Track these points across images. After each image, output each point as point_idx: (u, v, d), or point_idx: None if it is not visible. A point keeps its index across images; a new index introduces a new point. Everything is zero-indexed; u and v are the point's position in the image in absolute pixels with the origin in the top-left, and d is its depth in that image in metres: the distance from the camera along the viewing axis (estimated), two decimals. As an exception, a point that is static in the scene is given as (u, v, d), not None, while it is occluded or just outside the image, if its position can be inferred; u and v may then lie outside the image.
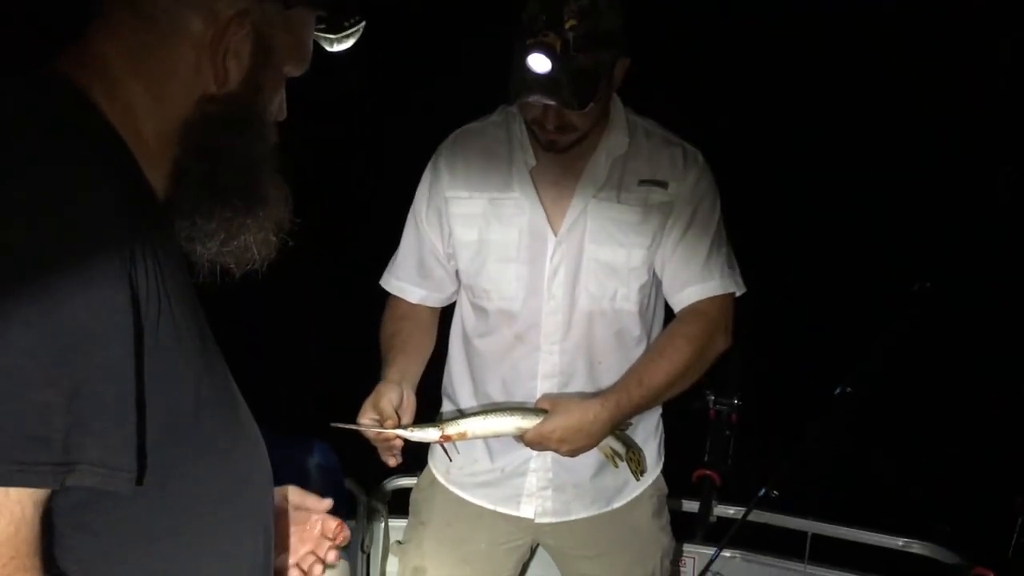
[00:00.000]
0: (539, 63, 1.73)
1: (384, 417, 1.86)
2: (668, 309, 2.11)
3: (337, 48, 1.16)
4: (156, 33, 1.01)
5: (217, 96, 1.04)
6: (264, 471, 1.21)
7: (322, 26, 1.14)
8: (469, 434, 1.90)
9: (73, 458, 0.87)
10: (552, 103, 1.79)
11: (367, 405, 1.89)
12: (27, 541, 0.87)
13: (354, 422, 1.86)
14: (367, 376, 2.11)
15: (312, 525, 1.40)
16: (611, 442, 1.99)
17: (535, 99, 1.80)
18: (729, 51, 7.21)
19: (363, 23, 1.16)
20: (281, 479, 1.43)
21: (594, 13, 1.78)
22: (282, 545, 1.39)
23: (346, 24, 1.14)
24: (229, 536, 1.11)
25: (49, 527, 0.92)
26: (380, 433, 1.85)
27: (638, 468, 2.04)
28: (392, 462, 1.95)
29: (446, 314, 2.22)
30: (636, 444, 2.06)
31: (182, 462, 1.02)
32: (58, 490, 0.89)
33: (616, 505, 2.16)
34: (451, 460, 2.04)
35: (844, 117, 7.32)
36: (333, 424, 1.84)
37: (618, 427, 1.97)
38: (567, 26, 1.75)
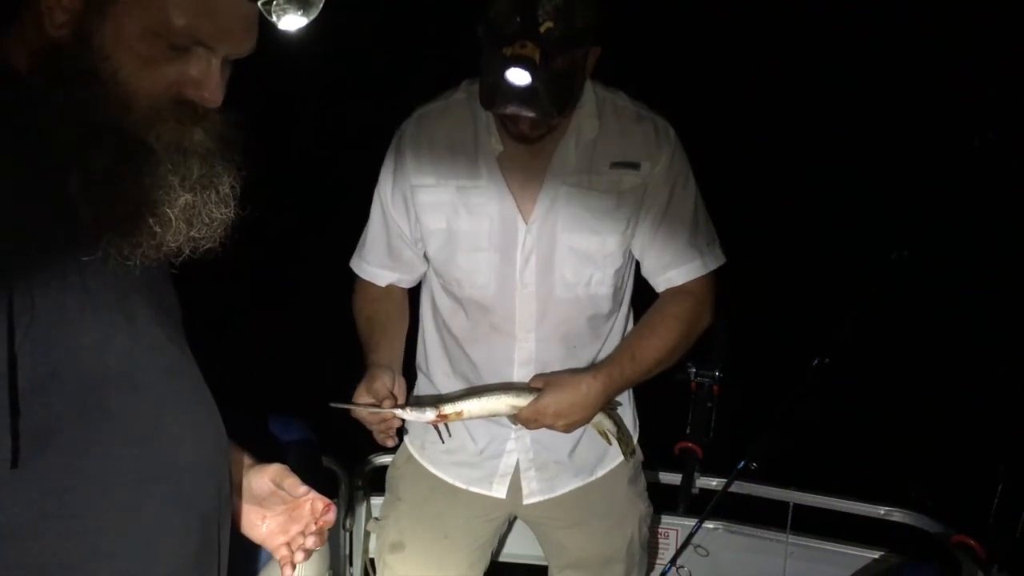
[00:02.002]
0: (519, 77, 1.66)
1: (379, 399, 1.87)
2: (638, 277, 2.10)
3: (286, 25, 1.03)
4: None
5: (41, 48, 1.00)
6: (208, 457, 1.20)
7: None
8: (465, 414, 1.91)
9: None
10: (531, 115, 1.74)
11: (361, 389, 1.90)
12: None
13: (349, 403, 1.88)
14: (346, 355, 2.09)
15: (303, 504, 1.40)
16: (603, 420, 2.00)
17: (513, 110, 1.74)
18: (709, 29, 7.19)
19: None
20: (259, 458, 1.42)
21: (569, 11, 1.72)
22: (271, 524, 1.40)
23: None
24: (149, 521, 1.10)
25: None
26: (377, 413, 1.86)
27: (627, 448, 2.07)
28: (389, 443, 1.97)
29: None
30: (625, 426, 2.09)
31: (87, 442, 1.01)
32: None
33: (600, 474, 2.17)
34: (443, 442, 2.04)
35: (822, 91, 7.33)
36: (332, 404, 1.86)
37: (609, 403, 1.99)
38: (543, 30, 1.68)
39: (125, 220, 1.01)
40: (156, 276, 1.13)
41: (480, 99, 1.79)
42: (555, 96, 1.73)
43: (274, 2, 1.02)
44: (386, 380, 1.90)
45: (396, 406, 1.86)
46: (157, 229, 1.03)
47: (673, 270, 2.01)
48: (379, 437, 1.96)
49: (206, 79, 1.04)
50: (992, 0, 6.05)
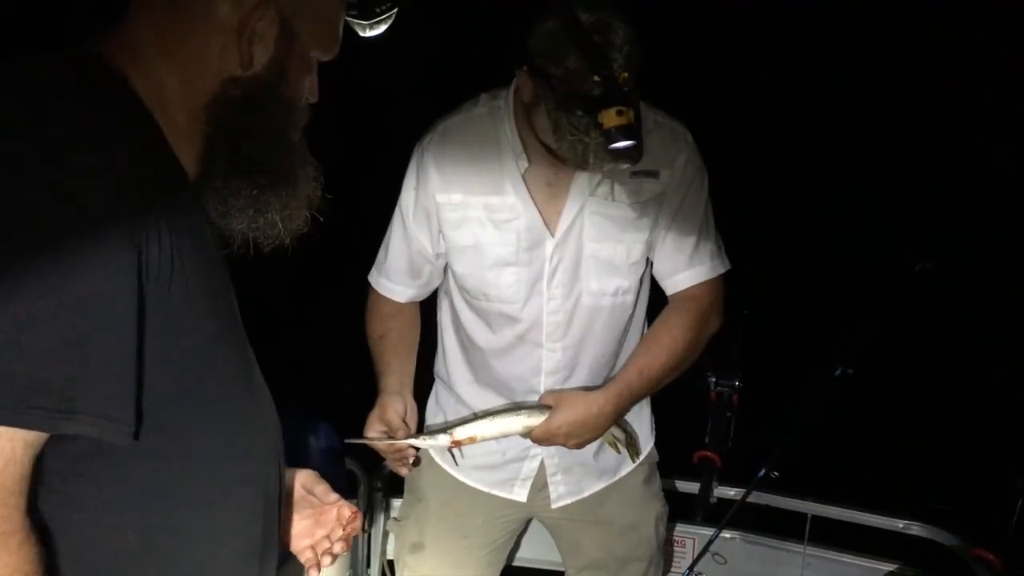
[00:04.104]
0: (626, 144, 1.64)
1: (393, 429, 1.91)
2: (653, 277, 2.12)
3: (370, 34, 1.19)
4: (187, 17, 1.06)
5: (242, 79, 1.09)
6: (271, 443, 1.25)
7: (353, 12, 1.17)
8: (479, 437, 1.94)
9: (72, 407, 0.92)
10: (628, 166, 1.75)
11: (373, 419, 1.95)
12: (13, 479, 0.92)
13: (364, 436, 1.93)
14: (367, 355, 2.11)
15: (330, 510, 1.44)
16: (613, 431, 2.03)
17: (612, 166, 1.72)
18: (720, 37, 7.17)
19: (395, 9, 1.18)
20: (287, 456, 1.45)
21: (635, 55, 1.69)
22: (298, 527, 1.44)
23: (377, 10, 1.16)
24: (226, 500, 1.16)
25: (52, 475, 0.98)
26: (392, 445, 1.91)
27: (635, 451, 2.13)
28: (404, 471, 2.03)
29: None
30: (633, 430, 2.13)
31: (184, 423, 1.07)
32: (61, 438, 0.94)
33: (623, 473, 2.19)
34: (457, 464, 2.06)
35: (847, 96, 7.30)
36: (347, 440, 1.92)
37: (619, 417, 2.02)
38: (620, 80, 1.66)
39: (294, 213, 1.16)
40: (224, 266, 1.21)
41: (567, 159, 1.74)
42: (641, 139, 1.70)
43: (370, 20, 1.21)
44: (398, 408, 1.95)
45: (410, 436, 1.91)
46: (306, 215, 1.18)
47: (682, 273, 2.04)
48: (394, 466, 2.02)
49: (314, 84, 1.19)
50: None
